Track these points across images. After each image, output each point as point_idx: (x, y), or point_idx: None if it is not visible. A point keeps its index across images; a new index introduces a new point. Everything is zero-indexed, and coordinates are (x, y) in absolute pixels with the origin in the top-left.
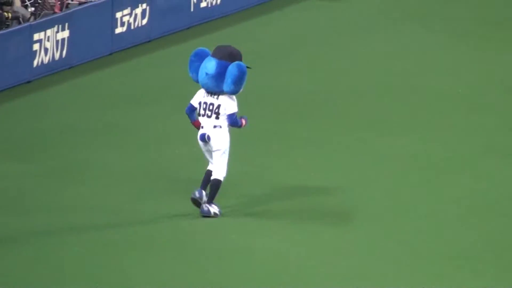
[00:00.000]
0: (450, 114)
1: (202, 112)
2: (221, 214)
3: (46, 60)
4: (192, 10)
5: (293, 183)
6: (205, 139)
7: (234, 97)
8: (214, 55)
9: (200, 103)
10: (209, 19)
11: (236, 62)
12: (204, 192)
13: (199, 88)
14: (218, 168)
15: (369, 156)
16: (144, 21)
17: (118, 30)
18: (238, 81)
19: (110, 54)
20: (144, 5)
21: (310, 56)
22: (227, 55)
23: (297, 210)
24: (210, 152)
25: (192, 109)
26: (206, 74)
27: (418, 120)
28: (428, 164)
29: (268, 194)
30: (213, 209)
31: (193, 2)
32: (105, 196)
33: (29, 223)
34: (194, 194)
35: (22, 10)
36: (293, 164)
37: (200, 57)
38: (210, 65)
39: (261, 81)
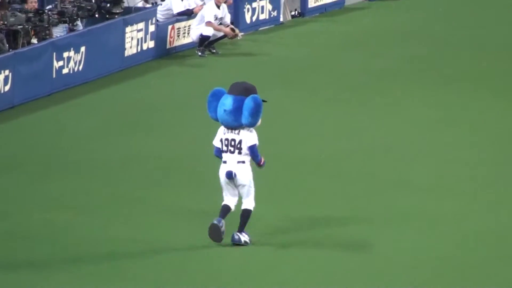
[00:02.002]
0: (308, 180)
1: (224, 148)
2: (251, 242)
3: None
4: (54, 76)
5: None
6: (232, 176)
7: (253, 130)
8: (230, 92)
9: (221, 140)
10: (71, 85)
11: (251, 95)
12: (223, 221)
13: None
14: (248, 200)
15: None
16: (7, 88)
17: None
18: (255, 113)
19: None
20: (7, 72)
21: (170, 122)
22: (242, 90)
23: None
24: (232, 187)
25: (218, 150)
26: (224, 110)
27: (277, 186)
28: (287, 231)
29: None
30: (244, 237)
31: (55, 68)
32: None
33: None
34: (214, 220)
35: None
36: None
37: (217, 96)
38: (227, 102)
39: (122, 146)
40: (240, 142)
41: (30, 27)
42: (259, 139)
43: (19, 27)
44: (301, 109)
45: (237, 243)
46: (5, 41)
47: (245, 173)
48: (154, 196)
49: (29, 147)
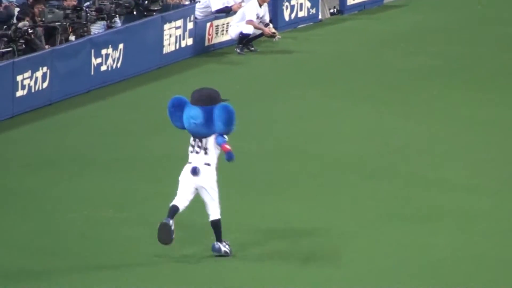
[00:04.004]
0: (345, 180)
1: (190, 149)
2: (232, 253)
3: None
4: (92, 73)
5: None
6: (196, 172)
7: None
8: (195, 103)
9: (195, 141)
10: (110, 83)
11: (221, 104)
12: (172, 220)
13: None
14: (213, 208)
15: (264, 222)
16: (45, 84)
17: (19, 93)
18: (229, 122)
19: (12, 117)
20: (45, 69)
21: None
22: (208, 100)
23: None
24: (191, 191)
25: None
26: (195, 124)
27: (313, 186)
28: (322, 231)
29: None
30: (224, 247)
31: (93, 65)
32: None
33: None
34: (163, 220)
35: None
36: None
37: (179, 106)
38: (196, 114)
39: (159, 144)
40: (206, 142)
41: (68, 24)
42: (286, 136)
43: (57, 24)
44: (338, 107)
45: (217, 253)
46: (42, 38)
47: (209, 176)
48: None
49: (67, 144)
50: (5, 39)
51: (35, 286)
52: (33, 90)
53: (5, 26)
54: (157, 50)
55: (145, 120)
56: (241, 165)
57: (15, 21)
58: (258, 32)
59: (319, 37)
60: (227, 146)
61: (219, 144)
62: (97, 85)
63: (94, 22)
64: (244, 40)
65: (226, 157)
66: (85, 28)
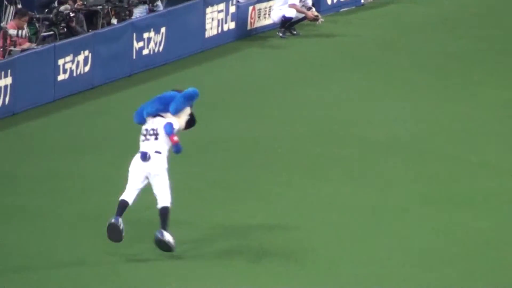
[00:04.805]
0: (388, 163)
1: (142, 138)
2: (174, 247)
3: None
4: (134, 57)
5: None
6: (146, 157)
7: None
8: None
9: (147, 130)
10: (152, 67)
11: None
12: (120, 219)
13: None
14: (163, 195)
15: (308, 204)
16: (87, 68)
17: (61, 77)
18: (189, 97)
19: (53, 101)
20: (87, 52)
21: (251, 103)
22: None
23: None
24: (141, 179)
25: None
26: (158, 97)
27: (356, 169)
28: (366, 213)
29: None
30: (167, 236)
31: (135, 49)
32: (41, 241)
33: None
34: (111, 219)
35: None
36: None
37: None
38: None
39: (202, 129)
40: (156, 128)
41: (109, 7)
42: (329, 119)
43: (98, 7)
44: (380, 91)
45: (160, 239)
46: (84, 22)
47: (159, 163)
48: (235, 177)
49: (108, 128)
50: (47, 22)
51: (81, 269)
52: (74, 74)
53: (46, 10)
54: (199, 34)
55: None
56: (285, 148)
57: (56, 4)
58: (301, 15)
59: (362, 21)
60: (175, 138)
61: (167, 133)
62: (139, 69)
63: (136, 5)
64: (286, 24)
65: (174, 149)
66: (127, 12)
